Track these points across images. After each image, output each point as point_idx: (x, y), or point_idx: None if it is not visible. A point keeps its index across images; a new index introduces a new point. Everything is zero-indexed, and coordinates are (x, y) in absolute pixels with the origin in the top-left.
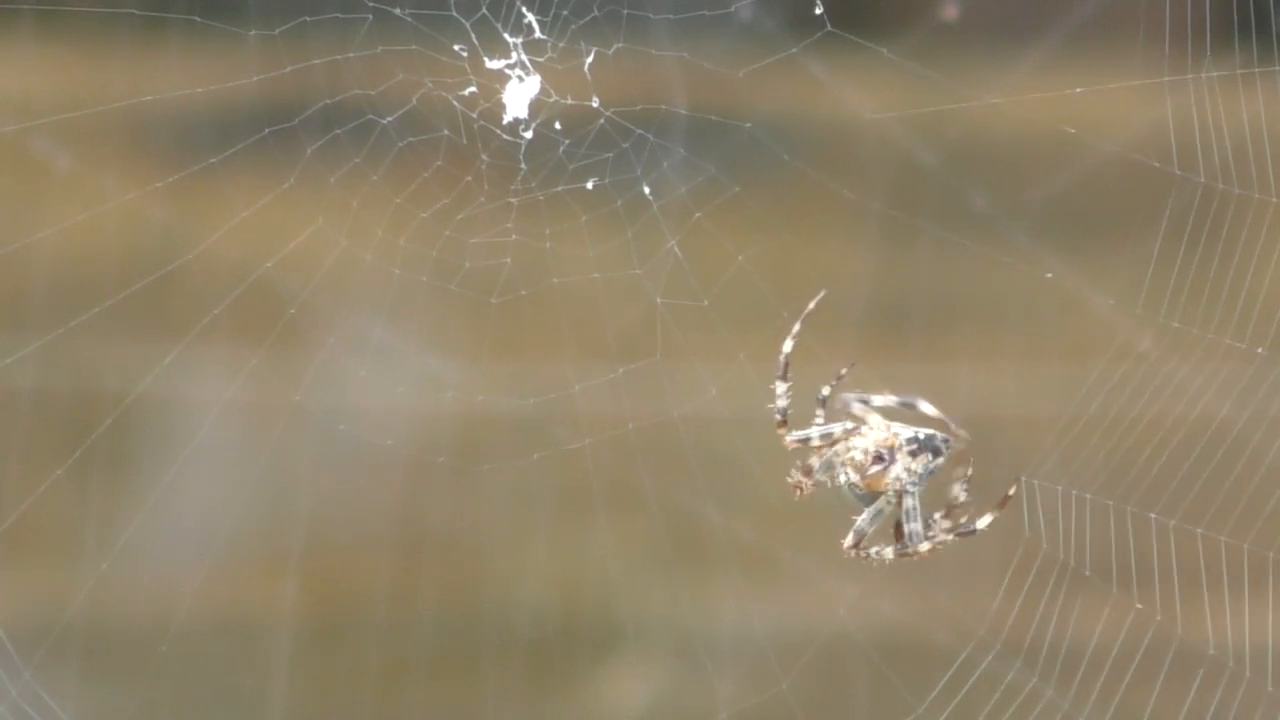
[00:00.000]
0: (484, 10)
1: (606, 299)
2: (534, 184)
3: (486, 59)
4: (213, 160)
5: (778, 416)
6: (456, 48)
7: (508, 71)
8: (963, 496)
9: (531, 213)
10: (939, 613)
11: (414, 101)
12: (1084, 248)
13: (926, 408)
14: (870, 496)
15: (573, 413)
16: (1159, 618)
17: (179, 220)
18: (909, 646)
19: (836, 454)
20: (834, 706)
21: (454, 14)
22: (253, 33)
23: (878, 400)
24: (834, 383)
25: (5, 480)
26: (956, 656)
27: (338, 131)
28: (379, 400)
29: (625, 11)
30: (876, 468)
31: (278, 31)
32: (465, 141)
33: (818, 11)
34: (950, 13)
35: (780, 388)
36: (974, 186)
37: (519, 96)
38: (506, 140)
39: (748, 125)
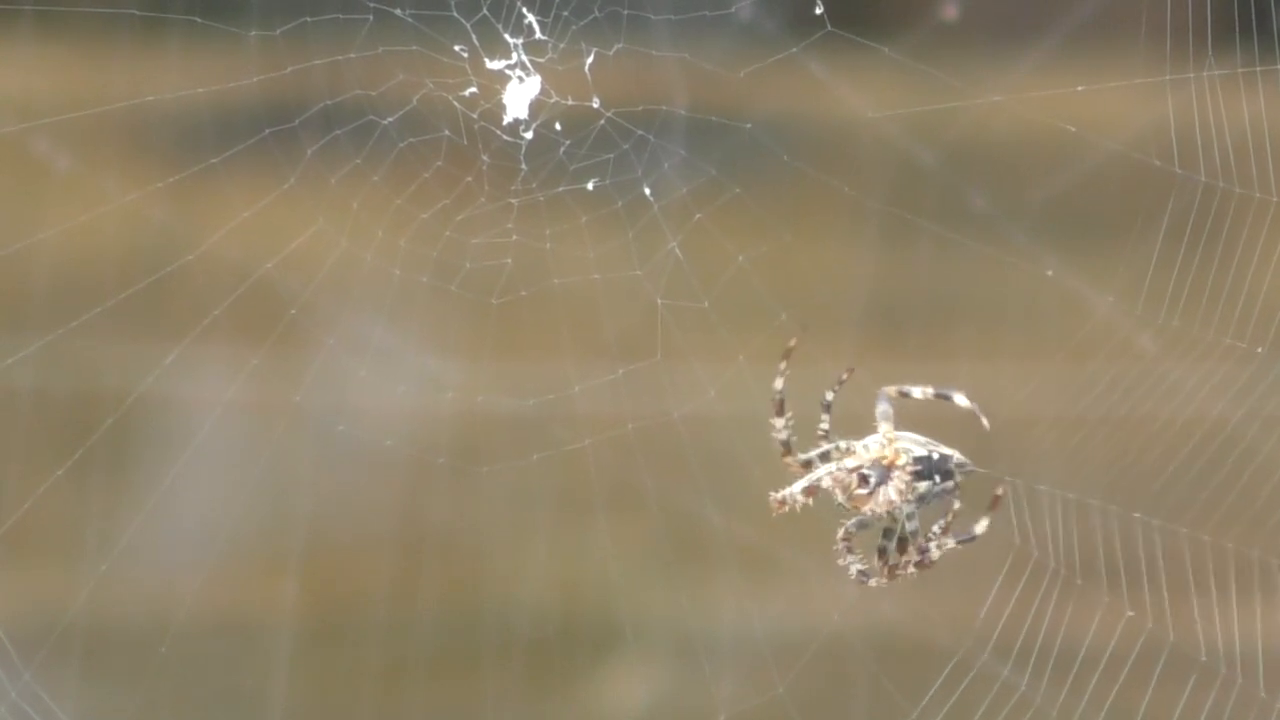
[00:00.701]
0: (484, 11)
1: (607, 300)
2: (534, 185)
3: (487, 60)
4: (213, 161)
5: (781, 448)
6: (457, 48)
7: (508, 72)
8: (956, 504)
9: (532, 213)
10: (938, 614)
11: (414, 102)
12: (1084, 247)
13: (961, 400)
14: (867, 515)
15: (573, 413)
16: (1150, 624)
17: (179, 221)
18: (908, 648)
19: (829, 470)
20: (833, 706)
21: (454, 14)
22: (253, 33)
23: (916, 392)
24: (836, 387)
25: (6, 481)
26: (953, 658)
27: (338, 132)
28: (379, 401)
29: (626, 12)
30: (862, 490)
31: (278, 32)
32: (466, 142)
33: (818, 11)
34: (950, 13)
35: (778, 422)
36: (974, 186)
37: (519, 97)
38: (507, 141)
39: (748, 126)
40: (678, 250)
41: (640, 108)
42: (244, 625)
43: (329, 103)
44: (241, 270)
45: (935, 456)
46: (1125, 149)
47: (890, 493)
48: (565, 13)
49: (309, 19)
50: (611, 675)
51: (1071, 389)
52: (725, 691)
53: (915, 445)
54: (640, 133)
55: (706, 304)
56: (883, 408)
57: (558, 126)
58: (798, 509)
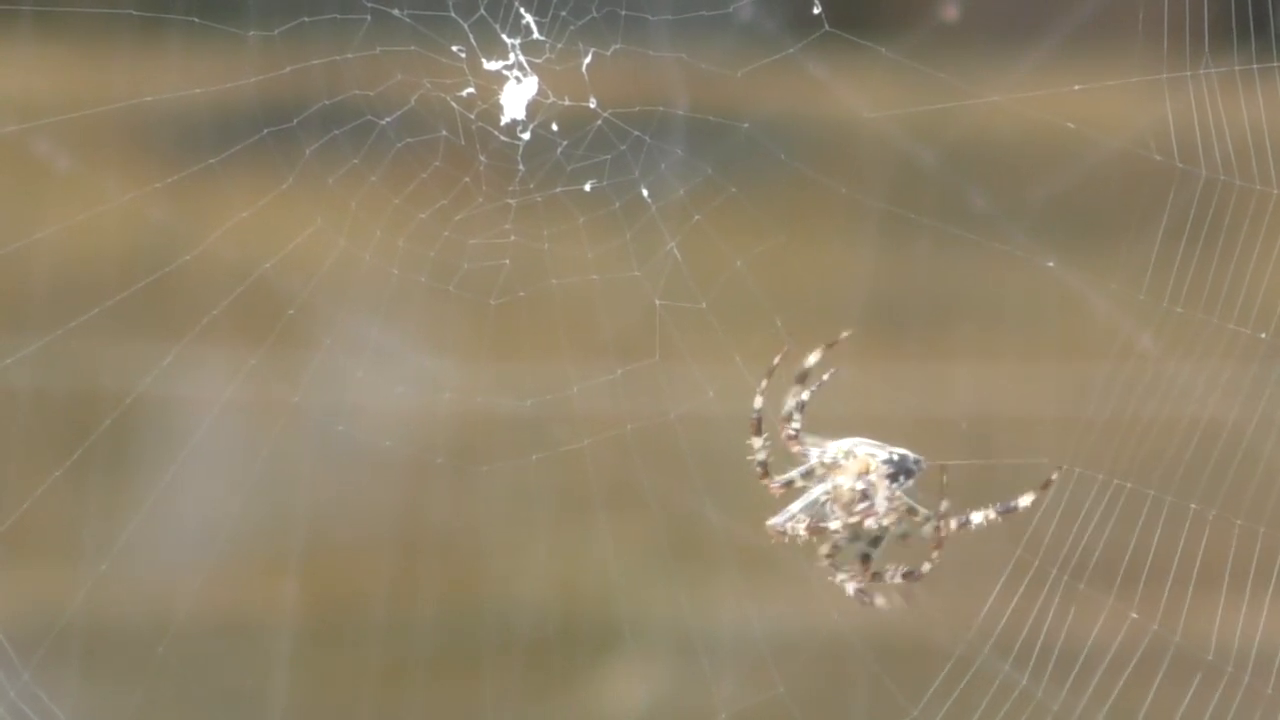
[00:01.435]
0: (482, 11)
1: (605, 300)
2: (532, 185)
3: (484, 60)
4: (212, 161)
5: (759, 470)
6: (455, 49)
7: (506, 73)
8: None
9: (530, 214)
10: (938, 612)
11: (412, 102)
12: (1084, 246)
13: (813, 358)
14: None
15: (571, 413)
16: (1155, 626)
17: (178, 221)
18: (907, 646)
19: (821, 498)
20: (833, 705)
21: (452, 15)
22: (252, 33)
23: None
24: (814, 387)
25: (5, 480)
26: (953, 657)
27: (336, 132)
28: (377, 401)
29: (623, 13)
30: (863, 505)
31: (276, 32)
32: (463, 142)
33: (815, 11)
34: (949, 13)
35: (757, 442)
36: (973, 185)
37: (517, 98)
38: (504, 141)
39: (745, 125)
40: (676, 251)
41: (637, 108)
42: (243, 625)
43: (327, 103)
44: (240, 270)
45: (896, 457)
46: (1125, 145)
47: (885, 500)
48: (563, 13)
49: (307, 19)
50: (611, 675)
51: (1071, 388)
52: (725, 691)
53: (875, 449)
54: (637, 133)
55: (704, 305)
56: (792, 403)
57: (555, 127)
58: (799, 541)
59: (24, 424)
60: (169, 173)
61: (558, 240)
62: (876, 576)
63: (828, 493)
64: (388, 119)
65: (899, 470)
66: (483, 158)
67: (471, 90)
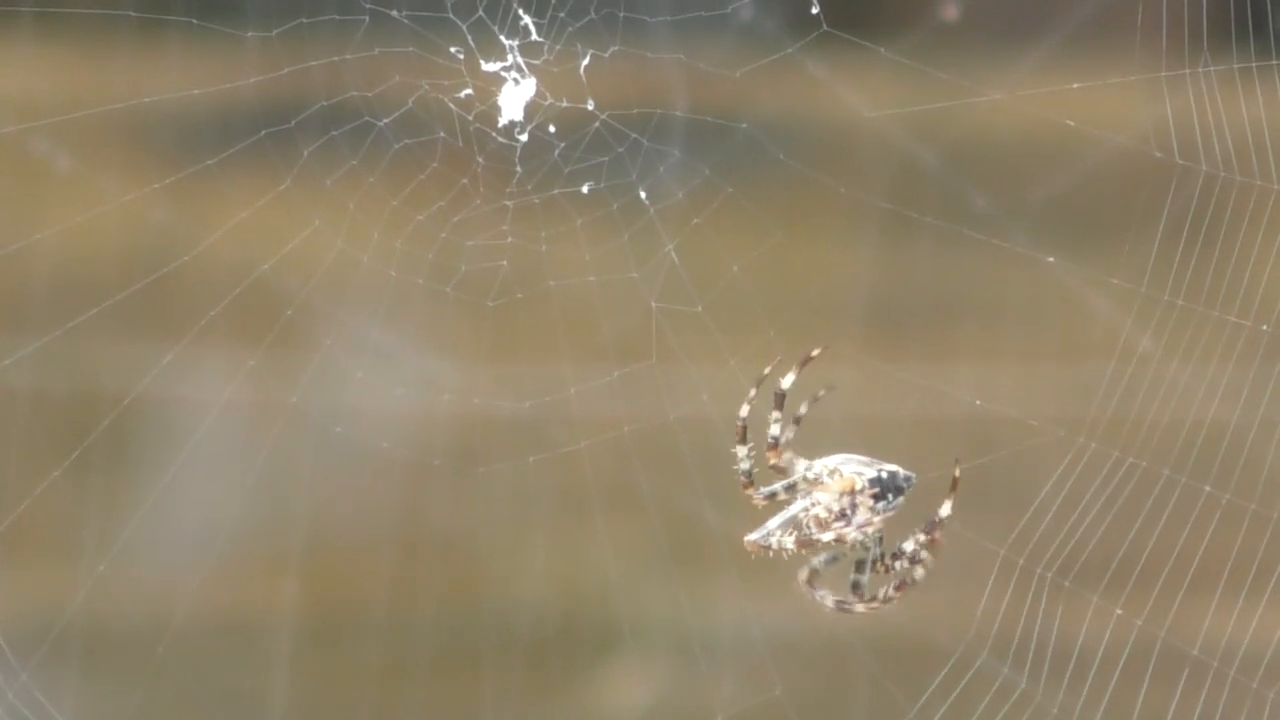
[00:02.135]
0: (480, 13)
1: (603, 302)
2: (530, 187)
3: (483, 61)
4: (210, 162)
5: (743, 479)
6: (453, 50)
7: (504, 74)
8: (945, 510)
9: (527, 216)
10: (936, 613)
11: (410, 104)
12: (1086, 243)
13: (789, 379)
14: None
15: (569, 415)
16: (1139, 622)
17: (177, 221)
18: (906, 647)
19: (801, 513)
20: (831, 706)
21: (450, 16)
22: (250, 34)
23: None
24: (810, 403)
25: (4, 481)
26: (952, 657)
27: (334, 133)
28: (376, 402)
29: (622, 14)
30: (841, 523)
31: (275, 33)
32: (461, 144)
33: (814, 11)
34: (948, 14)
35: (741, 451)
36: (974, 184)
37: (515, 99)
38: (502, 143)
39: (743, 125)
40: (674, 254)
41: (635, 110)
42: (242, 626)
43: (325, 104)
44: (239, 271)
45: (884, 474)
46: (1126, 142)
47: (865, 517)
48: (561, 14)
49: (305, 20)
50: (610, 676)
51: (1071, 387)
52: (724, 691)
53: (863, 466)
54: (635, 136)
55: (700, 308)
56: (775, 415)
57: (552, 129)
58: (785, 557)
59: (23, 424)
60: (168, 173)
61: (555, 242)
62: (870, 600)
63: (807, 509)
64: (386, 120)
65: (886, 489)
66: (480, 159)
67: (470, 92)
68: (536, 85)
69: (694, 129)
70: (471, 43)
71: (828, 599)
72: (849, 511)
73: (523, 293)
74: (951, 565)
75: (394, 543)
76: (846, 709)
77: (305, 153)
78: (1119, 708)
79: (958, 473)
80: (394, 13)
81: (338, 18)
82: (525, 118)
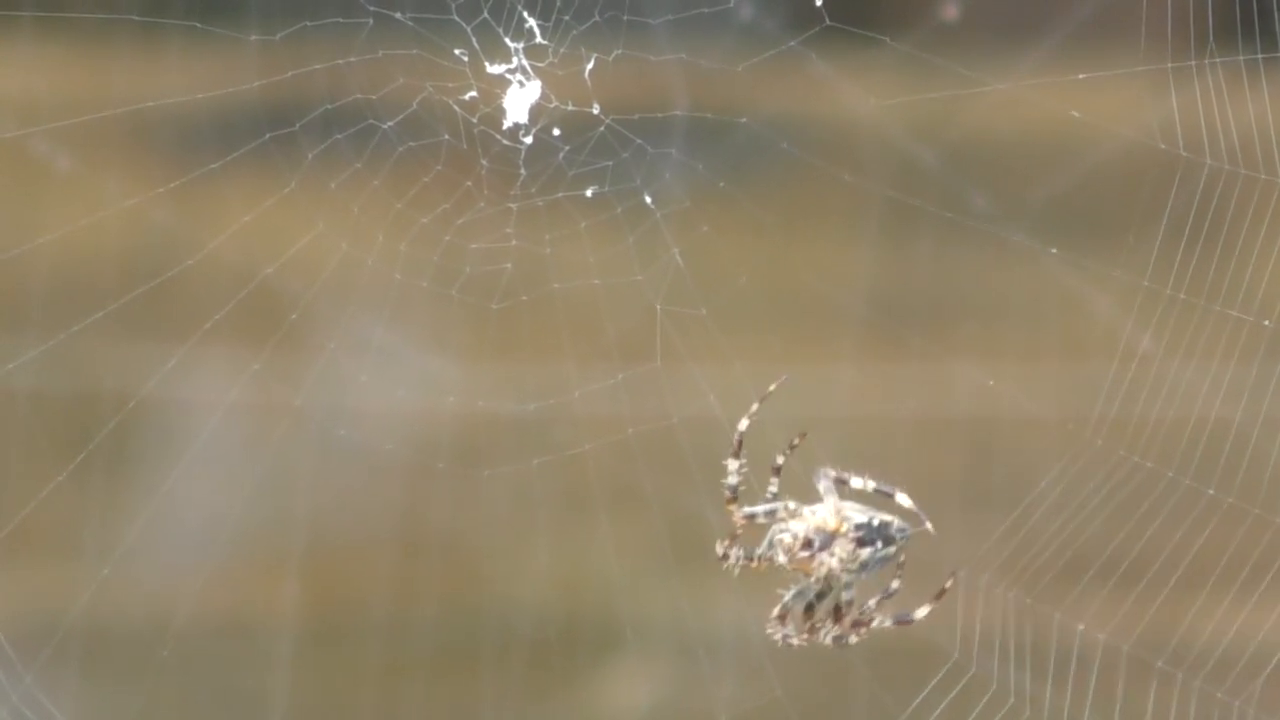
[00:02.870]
0: (485, 15)
1: (607, 305)
2: (534, 190)
3: (487, 64)
4: (214, 165)
5: (728, 494)
6: (457, 52)
7: (508, 76)
8: (895, 585)
9: (531, 218)
10: (935, 615)
11: (414, 106)
12: (1089, 237)
13: (903, 500)
14: (805, 577)
15: (573, 417)
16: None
17: (181, 224)
18: (906, 648)
19: (774, 532)
20: (831, 707)
21: (455, 18)
22: (253, 37)
23: (856, 482)
24: (788, 451)
25: (8, 483)
26: (950, 659)
27: (338, 136)
28: (380, 404)
29: (626, 17)
30: (804, 553)
31: (278, 36)
32: (465, 146)
33: (817, 4)
34: (949, 12)
35: (732, 465)
36: (976, 179)
37: (519, 102)
38: (506, 146)
39: (743, 120)
40: (679, 256)
41: (638, 116)
42: (245, 627)
43: (329, 106)
44: (242, 274)
45: (876, 523)
46: (1131, 134)
47: (832, 559)
48: (566, 17)
49: (309, 23)
50: (612, 676)
51: (1071, 386)
52: (726, 692)
53: (857, 512)
54: (639, 140)
55: (704, 311)
56: (824, 484)
57: (557, 132)
58: (735, 571)
59: (27, 427)
60: (171, 176)
61: (560, 244)
62: (814, 629)
63: (780, 538)
64: (390, 123)
65: (875, 536)
66: (485, 162)
67: (474, 94)
68: (541, 88)
69: (698, 129)
70: (476, 45)
71: (785, 637)
72: (824, 547)
73: (527, 295)
74: (951, 565)
75: (396, 544)
76: (848, 709)
77: (309, 155)
78: (1125, 711)
79: (949, 584)
80: (398, 15)
81: (341, 20)
82: (530, 120)
